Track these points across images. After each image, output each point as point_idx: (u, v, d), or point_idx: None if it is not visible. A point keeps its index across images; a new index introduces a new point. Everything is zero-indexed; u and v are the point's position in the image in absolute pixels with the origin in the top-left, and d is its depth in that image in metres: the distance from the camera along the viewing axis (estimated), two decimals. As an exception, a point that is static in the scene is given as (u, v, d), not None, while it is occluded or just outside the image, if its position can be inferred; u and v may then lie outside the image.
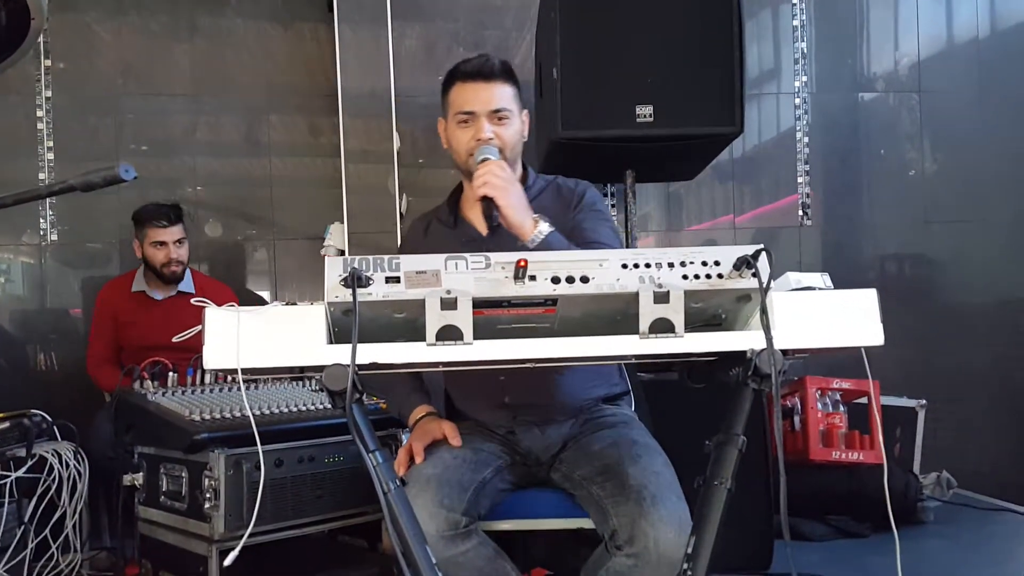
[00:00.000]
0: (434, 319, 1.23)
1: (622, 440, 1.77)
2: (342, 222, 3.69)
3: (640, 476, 1.63)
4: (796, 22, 4.17)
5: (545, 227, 1.66)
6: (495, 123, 1.83)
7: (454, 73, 1.89)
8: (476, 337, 1.24)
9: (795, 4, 4.16)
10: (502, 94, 1.84)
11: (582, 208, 1.91)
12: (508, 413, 1.89)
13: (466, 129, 1.85)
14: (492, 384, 1.86)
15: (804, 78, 4.18)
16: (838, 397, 3.32)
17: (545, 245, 1.63)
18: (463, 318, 1.24)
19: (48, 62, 3.80)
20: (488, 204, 1.68)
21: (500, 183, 1.67)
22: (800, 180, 4.18)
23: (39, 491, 2.34)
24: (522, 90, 1.94)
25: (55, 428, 2.48)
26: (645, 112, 2.74)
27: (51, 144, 3.80)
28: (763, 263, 1.25)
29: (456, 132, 1.87)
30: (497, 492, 1.82)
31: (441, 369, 1.82)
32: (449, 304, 1.24)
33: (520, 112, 1.90)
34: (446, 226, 2.00)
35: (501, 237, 1.75)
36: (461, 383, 1.99)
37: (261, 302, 1.23)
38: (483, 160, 1.76)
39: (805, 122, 4.17)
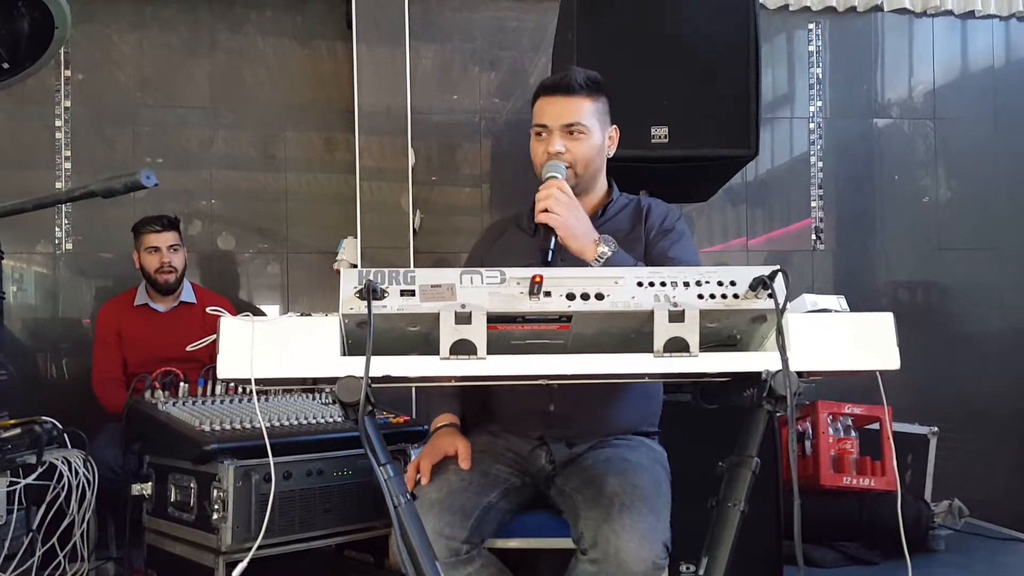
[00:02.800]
0: (448, 333, 1.24)
1: (615, 457, 1.76)
2: (356, 237, 3.70)
3: (617, 486, 1.62)
4: (812, 47, 4.19)
5: (606, 250, 1.67)
6: (567, 137, 1.84)
7: (538, 87, 1.91)
8: (489, 352, 1.24)
9: (811, 30, 4.18)
10: (578, 109, 1.84)
11: (670, 232, 1.89)
12: (545, 421, 1.86)
13: (540, 142, 1.87)
14: (541, 388, 1.81)
15: (819, 103, 4.19)
16: (850, 422, 3.30)
17: (607, 266, 1.64)
18: (477, 333, 1.24)
19: (68, 72, 3.84)
20: (548, 233, 1.68)
21: (560, 209, 1.68)
22: (813, 204, 4.18)
23: (48, 498, 2.33)
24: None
25: (65, 436, 2.48)
26: (660, 133, 2.75)
27: (69, 154, 3.83)
28: (779, 284, 1.24)
29: (533, 144, 1.90)
30: (503, 513, 1.81)
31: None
32: (463, 318, 1.24)
33: (603, 127, 1.89)
34: (526, 233, 1.99)
35: None
36: None
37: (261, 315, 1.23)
38: (548, 178, 1.77)
39: (819, 147, 4.18)
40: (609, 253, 1.67)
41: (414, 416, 2.71)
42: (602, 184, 1.99)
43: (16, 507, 2.22)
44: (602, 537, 1.54)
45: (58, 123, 3.83)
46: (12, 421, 2.37)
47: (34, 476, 2.27)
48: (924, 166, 4.28)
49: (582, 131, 1.84)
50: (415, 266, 3.50)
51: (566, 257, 1.72)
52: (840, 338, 1.30)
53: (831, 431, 3.25)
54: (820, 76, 4.19)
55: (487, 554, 1.74)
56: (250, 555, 1.39)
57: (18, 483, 2.22)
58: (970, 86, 4.30)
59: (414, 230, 3.76)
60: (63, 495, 2.33)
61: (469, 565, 1.66)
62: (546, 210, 1.68)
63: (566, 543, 1.79)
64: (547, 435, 1.87)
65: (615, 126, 1.95)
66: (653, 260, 1.83)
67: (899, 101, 4.30)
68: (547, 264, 1.67)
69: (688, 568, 2.42)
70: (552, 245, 1.68)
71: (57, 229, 3.82)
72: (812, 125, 4.19)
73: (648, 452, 1.85)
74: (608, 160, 1.99)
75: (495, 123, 4.00)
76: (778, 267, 1.25)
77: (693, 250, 1.90)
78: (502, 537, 1.84)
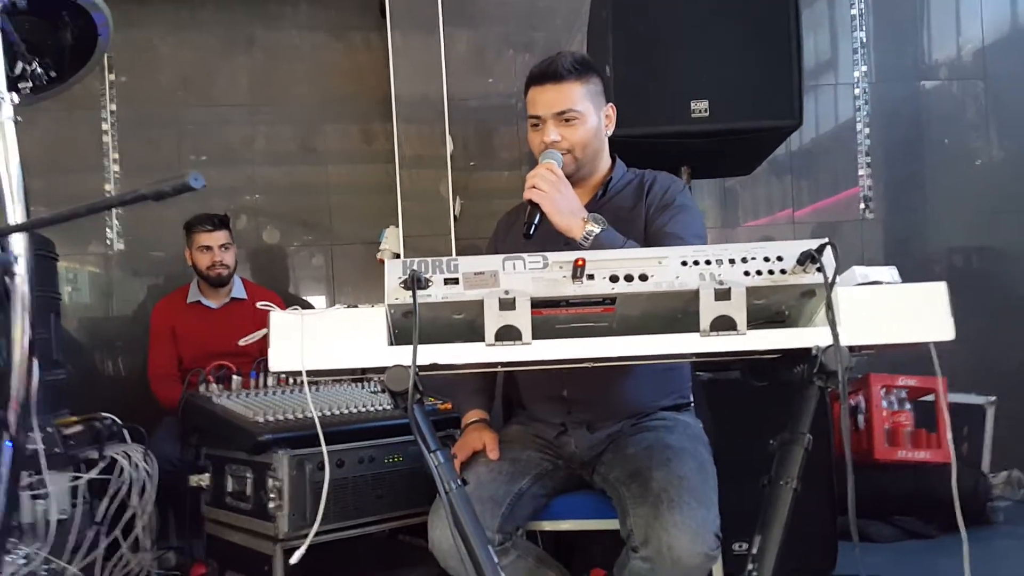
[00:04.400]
0: (493, 319, 1.24)
1: (657, 444, 1.75)
2: (397, 226, 3.73)
3: (663, 480, 1.61)
4: (854, 11, 4.08)
5: (594, 228, 1.65)
6: (561, 125, 1.83)
7: (528, 77, 1.90)
8: (535, 337, 1.24)
9: (853, -8, 4.07)
10: (569, 95, 1.83)
11: (669, 207, 1.86)
12: (563, 407, 1.89)
13: (536, 133, 1.87)
14: (553, 375, 1.83)
15: (863, 68, 4.08)
16: (904, 395, 3.25)
17: (596, 244, 1.63)
18: (522, 318, 1.24)
19: (112, 76, 3.93)
20: (533, 209, 1.68)
21: (546, 187, 1.68)
22: (861, 172, 4.08)
23: (110, 492, 2.40)
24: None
25: (125, 431, 2.54)
26: (700, 107, 2.70)
27: (116, 156, 3.92)
28: (828, 258, 1.22)
29: (530, 135, 1.89)
30: (536, 499, 1.82)
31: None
32: (507, 304, 1.24)
33: (597, 108, 1.88)
34: None
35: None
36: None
37: (309, 308, 1.27)
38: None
39: (865, 113, 4.08)
40: (597, 231, 1.65)
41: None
42: (604, 163, 1.97)
43: (80, 501, 2.28)
44: (653, 535, 1.53)
45: (104, 127, 3.92)
46: (74, 419, 2.44)
47: (96, 471, 2.33)
48: (975, 128, 4.14)
49: (576, 116, 1.83)
50: (456, 253, 3.51)
51: (570, 241, 1.69)
52: (892, 310, 1.27)
53: (885, 404, 3.20)
54: (864, 40, 4.08)
55: (524, 544, 1.76)
56: (307, 542, 1.41)
57: (81, 478, 2.29)
58: (1021, 42, 4.15)
59: (455, 217, 3.77)
60: (124, 488, 2.39)
61: (504, 557, 1.68)
62: (533, 187, 1.68)
63: (601, 524, 1.81)
64: (567, 421, 1.89)
65: (611, 104, 1.92)
66: (651, 236, 1.80)
67: (947, 61, 4.17)
68: (528, 238, 1.67)
69: (741, 547, 2.41)
70: (536, 220, 1.67)
71: (108, 230, 3.92)
72: (857, 91, 4.08)
73: (686, 431, 1.83)
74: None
75: (532, 105, 3.98)
76: (827, 240, 1.23)
77: (696, 224, 1.86)
78: (552, 519, 1.85)
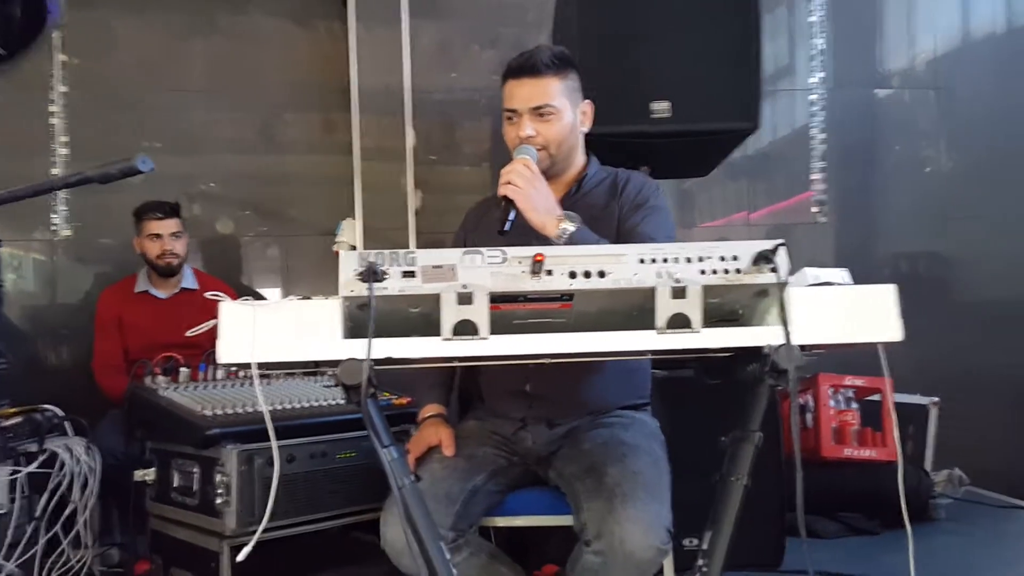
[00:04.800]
0: (450, 314, 1.23)
1: (612, 440, 1.76)
2: (354, 218, 3.69)
3: (618, 475, 1.61)
4: (813, 18, 4.15)
5: (568, 226, 1.65)
6: (537, 120, 1.82)
7: (505, 69, 1.89)
8: (492, 332, 1.23)
9: (811, 0, 4.13)
10: (545, 90, 1.82)
11: (642, 207, 1.87)
12: (525, 402, 1.88)
13: (511, 126, 1.86)
14: (516, 369, 1.83)
15: (820, 74, 4.15)
16: (851, 394, 3.31)
17: (571, 243, 1.64)
18: (479, 313, 1.23)
19: (64, 57, 3.80)
20: (507, 205, 1.67)
21: (521, 183, 1.67)
22: (815, 177, 4.15)
23: (50, 486, 2.33)
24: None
25: (67, 423, 2.47)
26: (661, 108, 2.72)
27: (65, 139, 3.81)
28: (782, 258, 1.24)
29: (505, 128, 1.89)
30: (491, 495, 1.82)
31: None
32: (465, 299, 1.23)
33: (574, 104, 1.87)
34: None
35: None
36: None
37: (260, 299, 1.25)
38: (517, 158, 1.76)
39: (820, 118, 4.15)
40: (572, 229, 1.65)
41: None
42: (579, 160, 1.97)
43: (19, 496, 2.22)
44: (606, 529, 1.54)
45: (53, 108, 3.80)
46: (13, 410, 2.37)
47: (36, 464, 2.26)
48: (927, 135, 4.25)
49: (552, 112, 1.83)
50: (416, 246, 3.49)
51: (543, 238, 1.69)
52: (842, 311, 1.29)
53: (832, 403, 3.27)
54: (822, 47, 4.15)
55: (476, 540, 1.76)
56: (255, 539, 1.38)
57: (20, 471, 2.22)
58: (972, 54, 4.26)
59: (415, 210, 3.74)
60: (65, 483, 2.33)
61: (457, 554, 1.67)
62: (508, 183, 1.68)
63: (556, 520, 1.81)
64: (528, 416, 1.88)
65: (588, 100, 1.92)
66: (624, 236, 1.81)
67: (900, 71, 4.27)
68: (503, 234, 1.66)
69: (691, 542, 2.43)
70: (511, 216, 1.67)
71: (54, 216, 3.80)
72: (813, 97, 4.15)
73: (642, 428, 1.84)
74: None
75: (496, 101, 3.95)
76: (781, 241, 1.24)
77: (667, 225, 1.87)
78: (506, 515, 1.85)
